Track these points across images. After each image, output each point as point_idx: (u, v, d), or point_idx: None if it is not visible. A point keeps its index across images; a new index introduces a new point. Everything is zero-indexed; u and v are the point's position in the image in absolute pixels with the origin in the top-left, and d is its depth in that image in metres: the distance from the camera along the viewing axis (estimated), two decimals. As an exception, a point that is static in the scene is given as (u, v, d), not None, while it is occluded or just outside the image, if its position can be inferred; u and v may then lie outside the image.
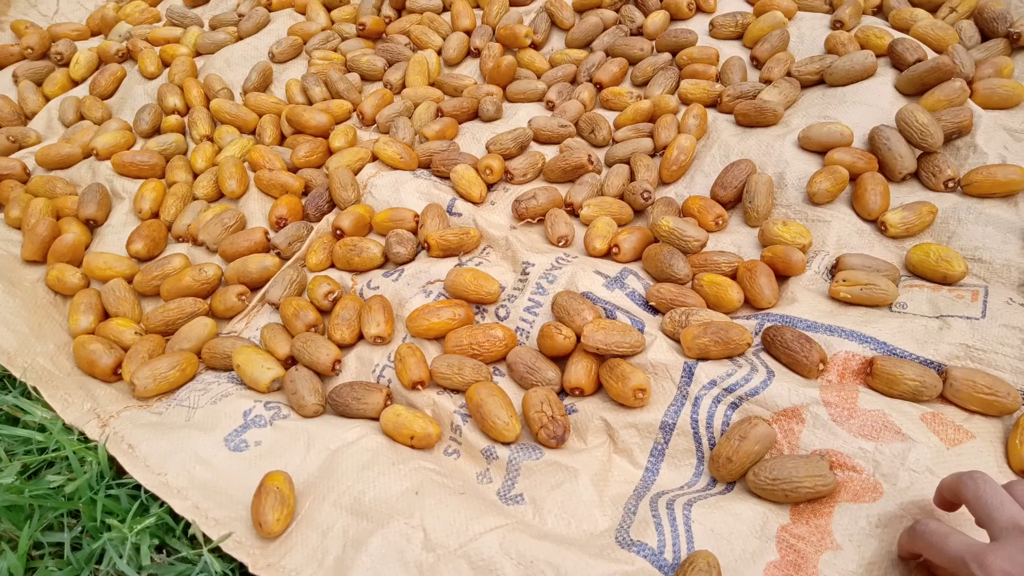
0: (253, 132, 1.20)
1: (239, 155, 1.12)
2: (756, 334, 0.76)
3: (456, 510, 0.63)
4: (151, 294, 0.96)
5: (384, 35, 1.37)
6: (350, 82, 1.24)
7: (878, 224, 0.86)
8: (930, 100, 0.94)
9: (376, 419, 0.76)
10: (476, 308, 0.86)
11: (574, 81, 1.22)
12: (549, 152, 1.09)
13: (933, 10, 1.14)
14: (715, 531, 0.61)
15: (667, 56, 1.18)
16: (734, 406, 0.68)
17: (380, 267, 0.94)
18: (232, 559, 0.64)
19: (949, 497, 0.55)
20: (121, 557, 0.63)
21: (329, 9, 1.44)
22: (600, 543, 0.61)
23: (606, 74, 1.17)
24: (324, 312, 0.89)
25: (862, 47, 1.06)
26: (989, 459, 0.63)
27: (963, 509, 0.56)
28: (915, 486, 0.60)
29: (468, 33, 1.32)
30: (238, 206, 1.06)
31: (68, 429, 0.76)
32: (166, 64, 1.35)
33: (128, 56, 1.39)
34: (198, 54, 1.38)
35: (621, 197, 0.98)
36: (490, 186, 1.04)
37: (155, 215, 1.06)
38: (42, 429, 0.77)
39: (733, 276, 0.82)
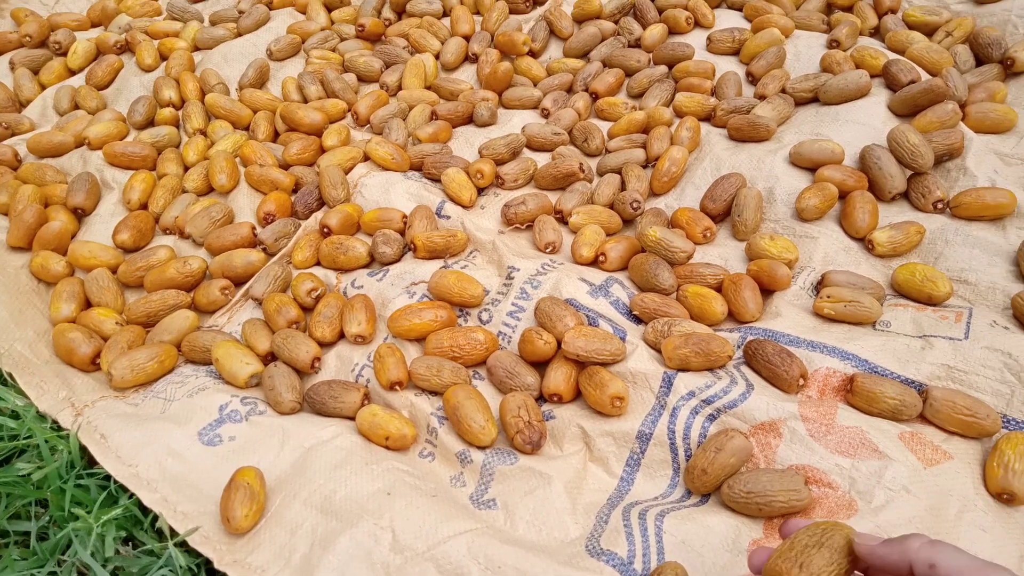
0: (247, 128, 1.20)
1: (231, 150, 1.12)
2: (738, 347, 0.75)
3: (426, 512, 0.62)
4: (135, 285, 0.95)
5: (383, 37, 1.38)
6: (346, 82, 1.24)
7: (865, 242, 0.86)
8: (922, 121, 0.94)
9: (353, 418, 0.75)
10: (459, 311, 0.85)
11: (570, 90, 1.22)
12: (542, 159, 1.08)
13: (930, 33, 1.15)
14: (686, 543, 0.60)
15: (663, 69, 1.18)
16: (712, 418, 0.68)
17: (365, 266, 0.94)
18: (199, 554, 0.63)
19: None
20: (86, 548, 0.62)
21: (329, 9, 1.45)
22: (570, 551, 0.61)
23: (602, 84, 1.17)
24: (307, 309, 0.89)
25: (857, 67, 1.07)
26: (966, 481, 0.62)
27: None
28: (891, 504, 0.60)
29: (467, 39, 1.32)
30: (227, 201, 1.06)
31: (41, 417, 0.76)
32: (164, 57, 1.35)
33: (126, 48, 1.39)
34: (196, 49, 1.38)
35: (611, 206, 0.98)
36: (481, 190, 1.04)
37: (144, 206, 1.05)
38: (15, 416, 0.77)
39: (718, 289, 0.82)
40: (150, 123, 1.22)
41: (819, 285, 0.81)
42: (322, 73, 1.24)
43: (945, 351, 0.70)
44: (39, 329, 0.88)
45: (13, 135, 1.23)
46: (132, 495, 0.67)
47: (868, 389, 0.67)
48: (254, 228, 0.98)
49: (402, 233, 0.95)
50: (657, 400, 0.70)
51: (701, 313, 0.79)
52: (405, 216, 0.96)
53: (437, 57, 1.31)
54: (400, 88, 1.25)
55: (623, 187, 1.01)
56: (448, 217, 0.97)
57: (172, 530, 0.63)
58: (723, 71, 1.15)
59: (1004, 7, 1.13)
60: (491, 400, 0.75)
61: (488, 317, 0.83)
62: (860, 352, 0.71)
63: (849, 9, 1.24)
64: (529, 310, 0.81)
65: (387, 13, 1.42)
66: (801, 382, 0.69)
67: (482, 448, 0.70)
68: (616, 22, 1.31)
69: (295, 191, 1.06)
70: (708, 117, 1.10)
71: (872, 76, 1.04)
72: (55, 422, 0.75)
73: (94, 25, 1.50)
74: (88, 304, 0.92)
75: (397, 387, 0.76)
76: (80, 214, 1.06)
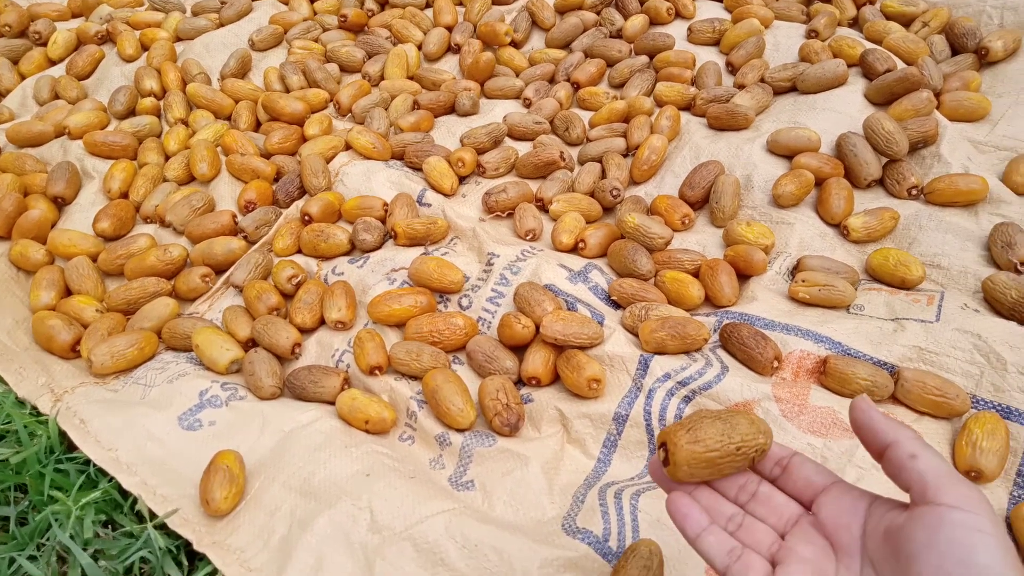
0: (228, 118, 1.19)
1: (212, 139, 1.12)
2: (714, 331, 0.76)
3: (405, 493, 0.63)
4: (115, 273, 0.95)
5: (366, 28, 1.38)
6: (328, 72, 1.24)
7: (841, 228, 0.87)
8: (897, 109, 0.95)
9: (332, 403, 0.75)
10: (439, 297, 0.86)
11: (552, 80, 1.22)
12: (523, 148, 1.09)
13: (907, 24, 1.16)
14: (661, 521, 0.61)
15: (644, 59, 1.19)
16: (687, 399, 0.69)
17: (346, 254, 0.94)
18: (178, 536, 0.63)
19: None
20: (65, 530, 0.62)
21: (312, 0, 1.44)
22: (546, 530, 0.61)
23: (584, 74, 1.18)
24: (287, 296, 0.89)
25: (835, 56, 1.08)
26: (934, 458, 0.63)
27: None
28: (862, 482, 0.61)
29: (449, 29, 1.33)
30: (208, 189, 1.06)
31: (20, 403, 0.76)
32: (145, 48, 1.34)
33: (107, 38, 1.38)
34: (178, 39, 1.38)
35: (591, 194, 0.98)
36: (462, 179, 1.05)
37: (124, 195, 1.05)
38: (-7, 403, 0.76)
39: (696, 274, 0.83)
40: (131, 113, 1.21)
41: (794, 270, 0.82)
42: (304, 63, 1.24)
43: (917, 333, 0.71)
44: (18, 317, 0.88)
45: (-8, 125, 1.23)
46: (111, 479, 0.67)
47: (840, 370, 0.68)
48: (235, 216, 0.98)
49: (383, 221, 0.96)
50: (634, 382, 0.71)
51: (678, 298, 0.80)
52: (386, 204, 0.97)
53: (420, 47, 1.31)
54: (382, 78, 1.25)
55: (603, 175, 1.01)
56: (429, 205, 0.98)
57: (152, 512, 0.64)
58: (703, 61, 1.16)
59: (979, -2, 1.15)
60: (470, 384, 0.75)
61: (468, 303, 0.84)
62: (834, 335, 0.72)
63: (828, 0, 1.25)
64: (509, 296, 0.82)
65: (370, 4, 1.42)
66: (775, 364, 0.70)
67: (461, 431, 0.70)
68: (598, 13, 1.31)
69: (276, 180, 1.06)
70: (688, 106, 1.10)
71: (849, 65, 1.05)
72: (34, 408, 0.75)
73: (75, 15, 1.49)
74: (68, 292, 0.92)
75: (377, 372, 0.76)
76: (60, 203, 1.05)
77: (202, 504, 0.64)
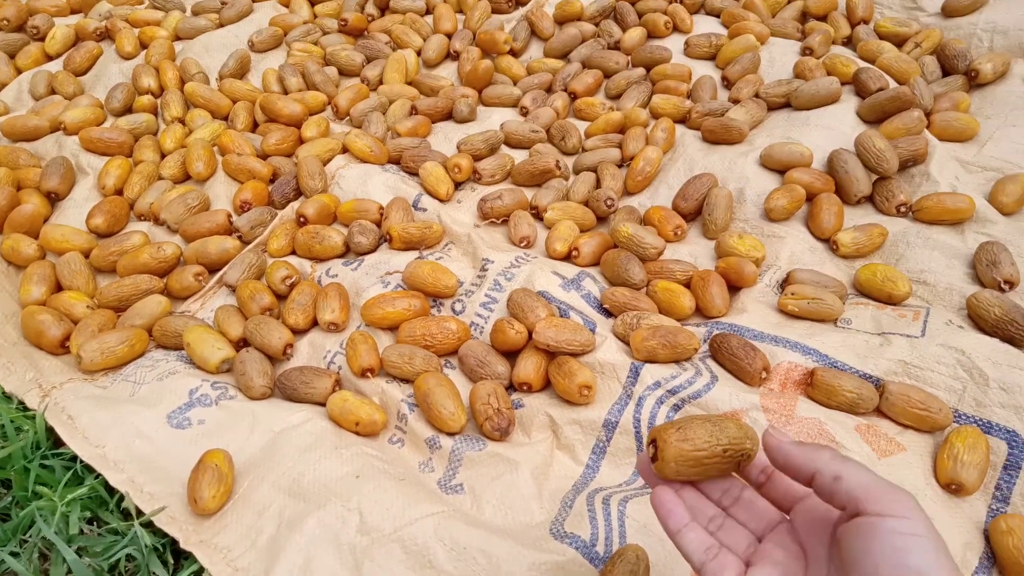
0: (226, 118, 1.20)
1: (209, 138, 1.12)
2: (705, 341, 0.77)
3: (394, 496, 0.63)
4: (107, 270, 0.95)
5: (365, 32, 1.38)
6: (327, 75, 1.24)
7: (830, 243, 0.88)
8: (889, 128, 0.97)
9: (323, 404, 0.76)
10: (433, 301, 0.86)
11: (549, 89, 1.23)
12: (519, 156, 1.10)
13: (899, 44, 1.18)
14: (648, 528, 0.62)
15: (641, 71, 1.20)
16: (677, 408, 0.69)
17: (341, 256, 0.95)
18: (164, 534, 0.63)
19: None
20: (50, 526, 0.62)
21: (312, 3, 1.45)
22: (535, 534, 0.62)
23: (581, 84, 1.19)
24: (281, 297, 0.89)
25: (828, 74, 1.09)
26: (918, 472, 0.64)
27: None
28: (845, 494, 0.61)
29: (449, 36, 1.34)
30: (204, 189, 1.06)
31: (7, 398, 0.75)
32: (144, 46, 1.34)
33: (106, 35, 1.38)
34: (178, 38, 1.38)
35: (586, 203, 0.99)
36: (458, 185, 1.05)
37: (119, 192, 1.05)
38: (-20, 397, 0.76)
39: (687, 285, 0.84)
40: (128, 110, 1.21)
41: (784, 283, 0.83)
42: (303, 65, 1.25)
43: (902, 348, 0.72)
44: (7, 311, 0.88)
45: (-13, 118, 1.22)
46: (98, 475, 0.67)
47: (827, 383, 0.69)
48: (230, 216, 0.98)
49: (378, 224, 0.96)
50: (624, 390, 0.72)
51: (670, 308, 0.81)
52: (382, 207, 0.97)
53: (419, 53, 1.31)
54: (381, 83, 1.25)
55: (598, 185, 1.02)
56: (425, 210, 0.98)
57: (139, 510, 0.64)
58: (699, 75, 1.18)
59: (970, 21, 1.17)
60: (462, 389, 0.76)
61: (461, 308, 0.84)
62: (821, 347, 0.73)
63: (823, 18, 1.27)
64: (502, 302, 0.82)
65: (370, 9, 1.43)
66: (764, 375, 0.71)
67: (451, 434, 0.71)
68: (596, 24, 1.32)
69: (272, 181, 1.07)
70: (683, 119, 1.12)
71: (843, 83, 1.06)
72: (21, 403, 0.75)
73: (74, 12, 1.49)
74: (59, 287, 0.91)
75: (369, 374, 0.76)
76: (53, 198, 1.05)
77: (189, 502, 0.64)
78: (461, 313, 0.84)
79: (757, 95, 1.10)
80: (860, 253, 0.87)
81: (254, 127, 1.18)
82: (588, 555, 0.59)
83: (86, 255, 0.95)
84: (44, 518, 0.62)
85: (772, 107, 1.09)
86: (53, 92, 1.27)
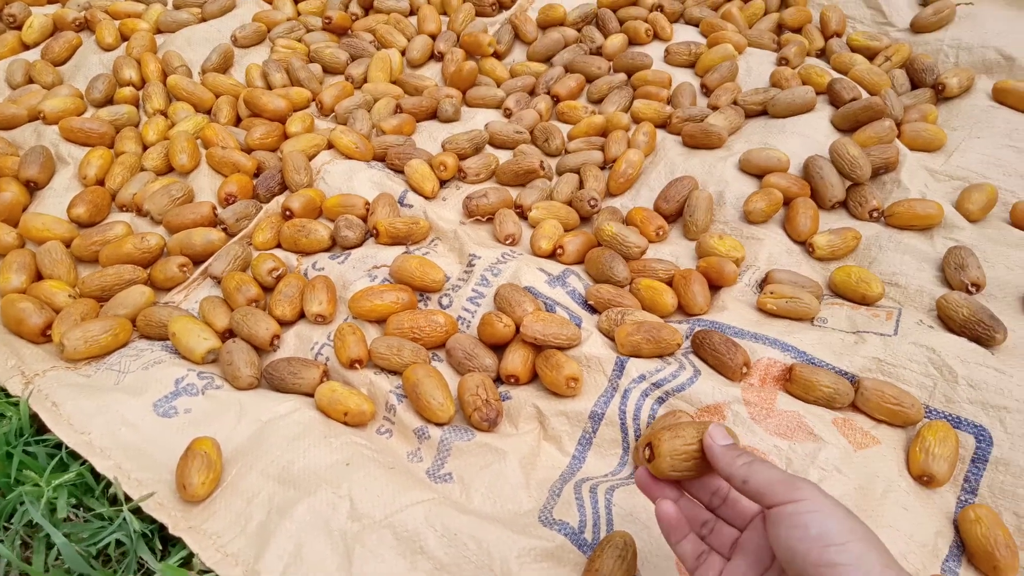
0: (208, 112, 1.19)
1: (192, 131, 1.11)
2: (687, 337, 0.79)
3: (385, 483, 0.64)
4: (89, 260, 0.94)
5: (349, 31, 1.39)
6: (311, 72, 1.25)
7: (807, 246, 0.91)
8: (861, 136, 1.00)
9: (311, 395, 0.76)
10: (420, 295, 0.87)
11: (532, 92, 1.25)
12: (503, 156, 1.11)
13: (871, 57, 1.22)
14: (634, 516, 0.63)
15: (623, 76, 1.23)
16: (661, 400, 0.71)
17: (326, 250, 0.95)
18: (152, 521, 0.63)
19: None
20: (37, 510, 0.62)
21: (296, 1, 1.45)
22: (523, 521, 0.63)
23: (564, 88, 1.21)
24: (267, 289, 0.89)
25: (804, 83, 1.13)
26: (892, 464, 0.67)
27: None
28: (824, 483, 0.64)
29: (433, 37, 1.35)
30: (187, 181, 1.05)
31: (-12, 385, 0.74)
32: (124, 38, 1.33)
33: (85, 26, 1.37)
34: (159, 31, 1.37)
35: (569, 204, 1.01)
36: (443, 183, 1.06)
37: (100, 183, 1.04)
38: (-40, 383, 0.75)
39: (669, 283, 0.86)
40: (109, 101, 1.20)
41: (763, 283, 0.86)
42: (287, 62, 1.25)
43: (876, 346, 0.75)
44: (-14, 299, 0.86)
45: (-39, 106, 1.20)
46: (84, 462, 0.67)
47: (805, 378, 0.71)
48: (215, 208, 0.98)
49: (364, 219, 0.97)
50: (610, 383, 0.73)
51: (653, 305, 0.83)
52: (368, 203, 0.98)
53: (403, 53, 1.32)
54: (365, 81, 1.26)
55: (581, 186, 1.04)
56: (411, 206, 0.99)
57: (127, 496, 0.63)
58: (679, 81, 1.20)
59: (937, 37, 1.22)
60: (450, 381, 0.76)
61: (448, 302, 0.85)
62: (799, 344, 0.76)
63: (798, 31, 1.31)
64: (489, 296, 0.84)
65: (354, 8, 1.44)
66: (744, 370, 0.73)
67: (440, 425, 0.72)
68: (579, 30, 1.35)
69: (257, 175, 1.06)
70: (664, 124, 1.14)
71: (817, 93, 1.10)
72: (2, 389, 0.74)
73: (51, 1, 1.47)
74: (39, 276, 0.90)
75: (357, 365, 0.77)
76: (32, 187, 1.04)
77: (178, 489, 0.64)
78: (448, 307, 0.85)
79: (735, 102, 1.13)
80: (835, 256, 0.90)
81: (237, 122, 1.18)
82: (576, 541, 0.61)
83: (67, 244, 0.93)
84: (31, 503, 0.62)
85: (749, 114, 1.12)
86: (31, 81, 1.25)
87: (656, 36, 1.31)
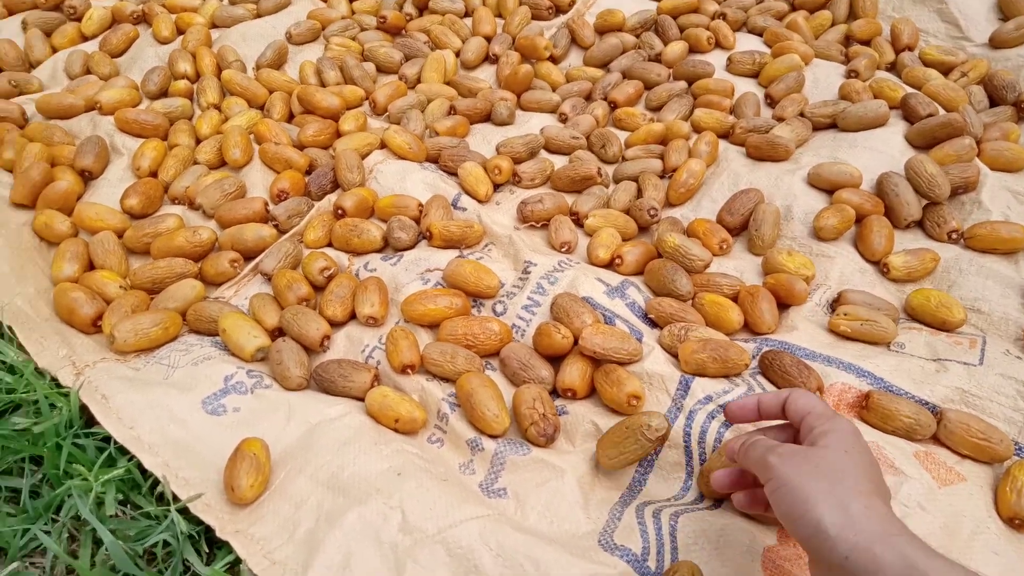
0: (262, 107, 1.18)
1: (246, 126, 1.11)
2: (754, 357, 0.75)
3: (437, 495, 0.61)
4: (141, 251, 0.93)
5: (403, 31, 1.37)
6: (365, 70, 1.23)
7: (880, 266, 0.87)
8: (939, 154, 0.96)
9: (361, 399, 0.74)
10: (473, 301, 0.84)
11: (589, 98, 1.22)
12: (558, 162, 1.08)
13: (945, 73, 1.17)
14: (700, 545, 0.60)
15: (683, 84, 1.19)
16: (728, 424, 0.67)
17: (378, 251, 0.93)
18: (198, 522, 0.61)
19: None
20: (85, 505, 0.60)
21: (350, 0, 1.44)
22: (582, 544, 0.60)
23: (622, 94, 1.18)
24: (318, 288, 0.87)
25: (875, 97, 1.08)
26: (979, 503, 0.62)
27: None
28: (905, 520, 0.59)
29: (488, 39, 1.33)
30: (240, 175, 1.04)
31: (39, 374, 0.73)
32: (180, 31, 1.33)
33: (143, 19, 1.37)
34: (214, 26, 1.37)
35: (627, 212, 0.97)
36: (497, 187, 1.04)
37: (153, 175, 1.03)
38: (11, 371, 0.74)
39: (734, 299, 0.82)
40: (164, 93, 1.20)
41: (835, 303, 0.82)
42: (341, 60, 1.24)
43: (960, 375, 0.71)
44: (40, 287, 0.86)
45: (21, 94, 1.21)
46: (131, 458, 0.65)
47: (884, 406, 0.67)
48: (267, 204, 0.97)
49: (417, 221, 0.95)
50: (673, 402, 0.70)
51: (717, 321, 0.79)
52: (421, 205, 0.96)
53: (457, 55, 1.30)
54: (419, 81, 1.24)
55: (639, 194, 1.01)
56: (464, 209, 0.97)
57: (173, 495, 0.62)
58: (742, 91, 1.17)
59: (1019, 52, 1.16)
60: (503, 391, 0.74)
61: (502, 309, 0.83)
62: (876, 370, 0.72)
63: (867, 43, 1.26)
64: (544, 305, 0.81)
65: (409, 8, 1.42)
66: (817, 395, 0.69)
67: (494, 437, 0.69)
68: (637, 36, 1.32)
69: (309, 172, 1.05)
70: (726, 134, 1.10)
71: (889, 107, 1.05)
72: (54, 379, 0.73)
73: (111, -6, 1.48)
74: (91, 266, 0.90)
75: (409, 371, 0.75)
76: (87, 177, 1.04)
77: (226, 490, 0.62)
78: (502, 314, 0.82)
79: (802, 114, 1.09)
80: (911, 278, 0.85)
81: (290, 118, 1.17)
82: (639, 569, 0.57)
83: (120, 235, 0.93)
84: (80, 497, 0.60)
85: (817, 127, 1.08)
86: (88, 72, 1.25)
87: (718, 44, 1.28)
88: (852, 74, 1.15)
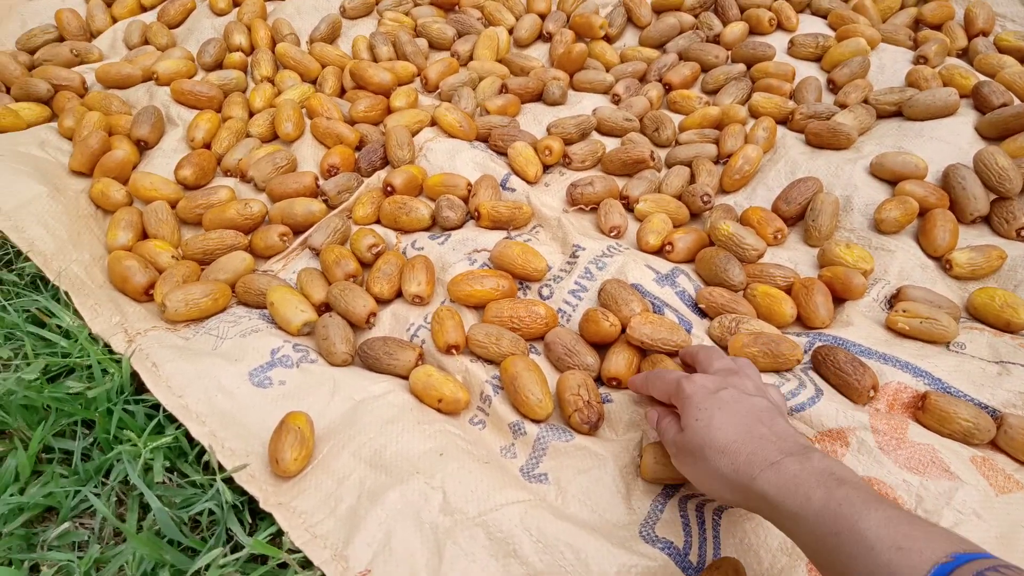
0: (314, 82, 1.19)
1: (298, 100, 1.11)
2: (806, 352, 0.73)
3: (479, 478, 0.61)
4: (193, 222, 0.94)
5: (457, 7, 1.36)
6: (418, 46, 1.22)
7: (943, 262, 0.83)
8: (1012, 146, 0.91)
9: (405, 377, 0.74)
10: (519, 284, 0.83)
11: (643, 79, 1.19)
12: (610, 144, 1.06)
13: (1022, 60, 1.11)
14: (743, 541, 0.58)
15: (741, 67, 1.16)
16: (777, 419, 0.66)
17: (426, 229, 0.93)
18: (241, 492, 0.62)
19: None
20: (134, 471, 0.61)
21: (405, -26, 1.43)
22: (623, 534, 0.59)
23: (677, 76, 1.15)
24: (365, 265, 0.87)
25: (945, 85, 1.04)
26: (1038, 514, 0.60)
27: None
28: (959, 527, 0.57)
29: (542, 17, 1.31)
30: (291, 149, 1.05)
31: (92, 339, 0.75)
32: (236, 4, 1.34)
33: (200, -10, 1.39)
34: (269, -1, 1.38)
35: (679, 198, 0.95)
36: (546, 168, 1.02)
37: (207, 146, 1.05)
38: (66, 335, 0.76)
39: (788, 291, 0.80)
40: (219, 66, 1.21)
41: (893, 299, 0.79)
42: (395, 35, 1.23)
43: (1023, 379, 0.68)
44: (95, 254, 0.88)
45: (82, 63, 1.23)
46: (179, 426, 0.67)
47: (942, 408, 0.65)
48: (317, 179, 0.97)
49: (466, 201, 0.94)
50: (721, 394, 0.68)
51: (769, 314, 0.77)
52: (470, 184, 0.95)
53: (510, 32, 1.29)
54: (471, 58, 1.23)
55: (692, 180, 0.98)
56: (513, 190, 0.96)
57: (219, 464, 0.63)
58: (803, 76, 1.13)
59: (1103, 41, 1.10)
60: (547, 376, 0.73)
61: (549, 293, 0.82)
62: (934, 370, 0.69)
63: (938, 27, 1.20)
64: (592, 290, 0.79)
65: (462, -17, 1.40)
66: (871, 393, 0.67)
67: (537, 422, 0.68)
68: (696, 16, 1.28)
69: (359, 148, 1.05)
70: (785, 120, 1.07)
71: (960, 96, 1.00)
72: (106, 346, 0.75)
73: (169, -35, 1.49)
74: (145, 235, 0.91)
75: (454, 351, 0.74)
76: (143, 147, 1.05)
77: (270, 463, 0.62)
78: (548, 298, 0.81)
79: (866, 101, 1.05)
80: (975, 275, 0.82)
81: (341, 93, 1.17)
82: (681, 563, 0.57)
83: (172, 205, 0.94)
84: (129, 463, 0.62)
85: (882, 115, 1.04)
86: (146, 42, 1.27)
87: (780, 26, 1.23)
88: (921, 60, 1.11)
